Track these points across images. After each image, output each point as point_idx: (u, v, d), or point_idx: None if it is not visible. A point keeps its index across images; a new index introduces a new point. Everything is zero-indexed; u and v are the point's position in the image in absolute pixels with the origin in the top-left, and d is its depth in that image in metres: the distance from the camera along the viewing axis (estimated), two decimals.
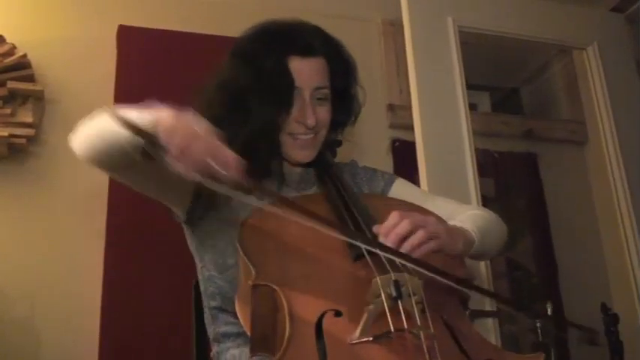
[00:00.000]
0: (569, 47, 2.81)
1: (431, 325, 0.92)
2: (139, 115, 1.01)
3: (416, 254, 1.04)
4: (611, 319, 2.04)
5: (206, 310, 1.35)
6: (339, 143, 1.69)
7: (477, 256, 1.30)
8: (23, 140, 2.17)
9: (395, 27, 2.70)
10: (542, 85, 3.13)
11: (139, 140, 0.99)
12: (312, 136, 1.33)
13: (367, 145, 2.54)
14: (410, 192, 1.46)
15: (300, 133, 1.32)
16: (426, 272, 0.99)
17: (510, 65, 3.02)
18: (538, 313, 1.99)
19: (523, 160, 2.89)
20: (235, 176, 0.97)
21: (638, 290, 2.52)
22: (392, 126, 2.67)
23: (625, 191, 2.60)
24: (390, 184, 1.46)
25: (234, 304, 1.12)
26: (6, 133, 2.13)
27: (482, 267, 2.24)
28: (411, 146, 2.39)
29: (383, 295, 0.91)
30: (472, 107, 3.03)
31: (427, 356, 0.84)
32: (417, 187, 1.51)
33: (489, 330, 2.11)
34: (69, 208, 2.20)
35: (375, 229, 1.09)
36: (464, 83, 2.37)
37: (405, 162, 2.51)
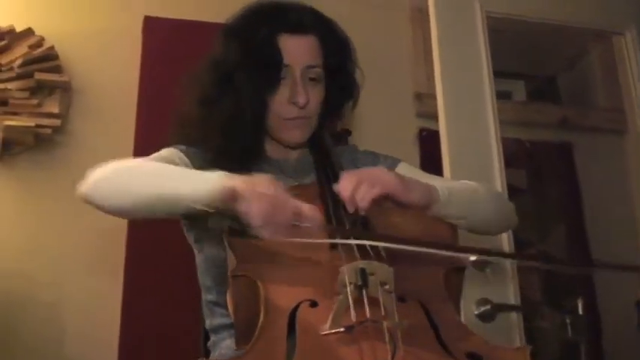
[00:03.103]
0: (607, 32, 2.69)
1: (396, 315, 0.88)
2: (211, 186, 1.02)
3: (363, 205, 1.05)
4: None
5: (204, 303, 1.36)
6: (349, 132, 1.66)
7: (460, 219, 1.22)
8: (49, 130, 2.22)
9: (423, 14, 2.62)
10: (581, 72, 3.01)
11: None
12: (304, 117, 1.30)
13: (393, 134, 2.50)
14: (413, 176, 1.42)
15: (292, 116, 1.30)
16: (398, 247, 0.97)
17: (546, 52, 2.90)
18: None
19: (557, 149, 2.78)
20: (320, 224, 0.99)
21: None
22: (419, 115, 2.61)
23: None
24: (392, 167, 1.41)
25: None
26: (32, 124, 2.18)
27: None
28: (438, 136, 2.32)
29: (349, 284, 0.88)
30: (506, 96, 2.94)
31: (388, 347, 0.81)
32: (420, 171, 1.46)
33: (512, 325, 2.04)
34: None
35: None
36: (491, 71, 2.29)
37: (432, 152, 2.44)
